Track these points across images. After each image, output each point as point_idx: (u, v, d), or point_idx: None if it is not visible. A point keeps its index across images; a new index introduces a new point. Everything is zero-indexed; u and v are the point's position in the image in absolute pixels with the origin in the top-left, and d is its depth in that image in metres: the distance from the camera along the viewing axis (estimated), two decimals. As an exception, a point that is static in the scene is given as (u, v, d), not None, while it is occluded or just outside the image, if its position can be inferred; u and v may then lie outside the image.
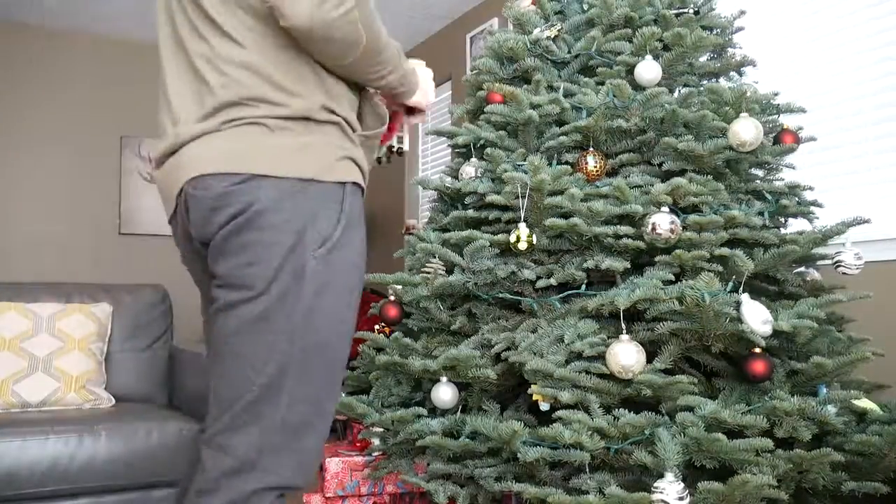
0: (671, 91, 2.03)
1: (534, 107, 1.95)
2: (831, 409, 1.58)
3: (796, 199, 1.94)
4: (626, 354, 1.56)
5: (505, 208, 1.93)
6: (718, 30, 2.12)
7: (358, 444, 2.30)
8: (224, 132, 1.06)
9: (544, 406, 1.68)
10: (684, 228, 1.72)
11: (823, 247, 1.80)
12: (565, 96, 2.00)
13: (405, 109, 1.35)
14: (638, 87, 1.94)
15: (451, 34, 4.39)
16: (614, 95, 1.89)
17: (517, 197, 1.81)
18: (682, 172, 1.85)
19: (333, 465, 2.19)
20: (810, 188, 1.98)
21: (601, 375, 1.61)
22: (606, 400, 1.63)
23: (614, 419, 1.56)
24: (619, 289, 1.69)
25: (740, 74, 2.16)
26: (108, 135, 4.58)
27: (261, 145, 1.05)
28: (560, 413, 1.57)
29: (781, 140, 1.92)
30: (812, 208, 1.96)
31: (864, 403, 1.65)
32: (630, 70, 1.97)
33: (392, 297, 2.12)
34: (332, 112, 1.10)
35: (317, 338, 1.07)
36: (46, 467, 1.85)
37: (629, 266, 1.77)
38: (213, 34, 1.08)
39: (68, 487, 1.89)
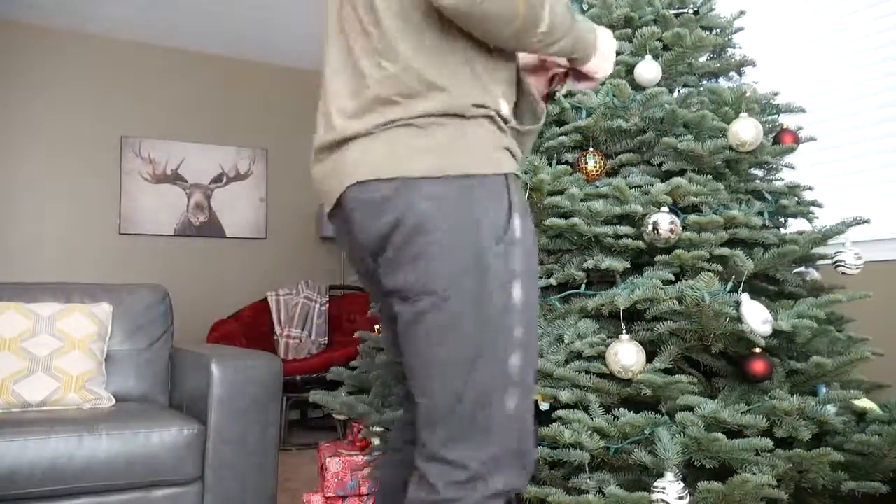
0: (671, 91, 2.03)
1: (534, 107, 1.95)
2: (831, 409, 1.58)
3: (796, 199, 1.94)
4: (626, 354, 1.56)
5: (505, 208, 1.92)
6: (718, 30, 2.12)
7: (358, 444, 2.30)
8: (377, 135, 1.05)
9: (544, 406, 1.68)
10: (684, 228, 1.72)
11: (823, 247, 1.81)
12: (565, 96, 2.00)
13: (574, 73, 1.27)
14: (638, 87, 1.94)
15: (451, 34, 4.38)
16: (614, 95, 1.89)
17: (517, 197, 1.81)
18: (682, 172, 1.85)
19: (333, 464, 2.19)
20: (810, 188, 1.98)
21: (601, 375, 1.61)
22: (606, 400, 1.63)
23: (614, 419, 1.56)
24: (619, 289, 1.69)
25: (740, 74, 2.16)
26: (108, 135, 4.58)
27: (415, 147, 1.03)
28: (560, 413, 1.57)
29: (781, 140, 1.92)
30: (812, 208, 1.96)
31: (864, 403, 1.66)
32: (630, 70, 1.97)
33: (392, 297, 2.12)
34: (485, 107, 1.08)
35: (513, 335, 1.05)
36: (46, 467, 1.85)
37: (629, 266, 1.77)
38: (374, 27, 1.06)
39: (68, 487, 1.89)
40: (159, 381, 2.51)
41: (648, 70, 1.91)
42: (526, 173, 1.80)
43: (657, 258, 1.73)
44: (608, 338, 1.64)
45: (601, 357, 1.61)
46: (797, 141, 1.91)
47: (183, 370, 2.41)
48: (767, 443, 1.47)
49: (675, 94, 2.03)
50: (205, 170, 4.86)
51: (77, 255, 4.45)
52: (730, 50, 2.15)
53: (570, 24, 1.10)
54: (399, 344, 1.11)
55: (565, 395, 1.59)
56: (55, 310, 2.31)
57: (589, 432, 1.53)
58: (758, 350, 1.61)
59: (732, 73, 2.15)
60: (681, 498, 1.40)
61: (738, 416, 1.51)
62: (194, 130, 4.85)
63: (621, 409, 1.58)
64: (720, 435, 1.45)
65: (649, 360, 1.62)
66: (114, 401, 2.30)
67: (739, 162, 1.88)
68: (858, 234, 2.18)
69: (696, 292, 1.55)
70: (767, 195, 1.91)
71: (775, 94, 1.98)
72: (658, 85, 1.94)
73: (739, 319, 1.56)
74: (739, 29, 2.16)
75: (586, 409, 1.61)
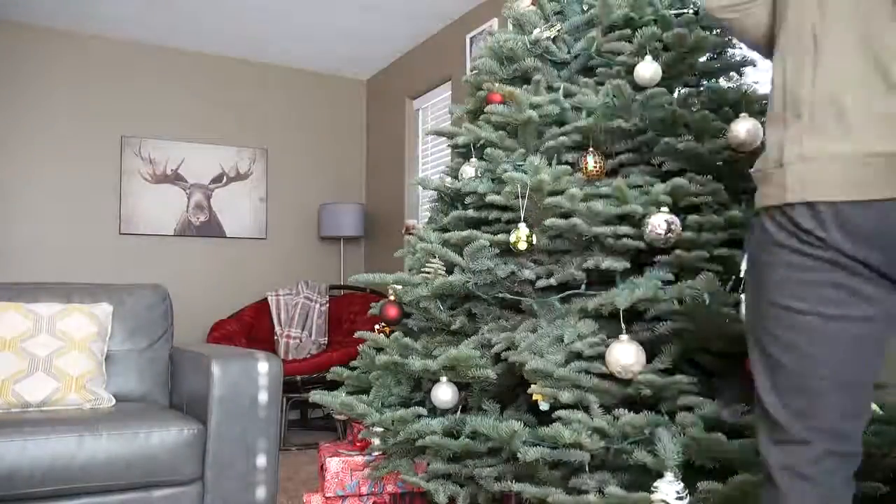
0: (671, 91, 2.03)
1: (534, 107, 1.95)
2: (831, 409, 1.57)
3: (796, 199, 1.94)
4: (626, 354, 1.56)
5: (505, 208, 1.93)
6: (718, 30, 2.12)
7: (358, 444, 2.30)
8: None
9: (544, 406, 1.68)
10: (684, 228, 1.72)
11: (823, 247, 1.80)
12: (565, 96, 2.00)
13: None
14: (638, 88, 1.94)
15: (451, 34, 4.39)
16: (614, 95, 1.89)
17: (517, 197, 1.81)
18: (681, 172, 1.85)
19: (333, 464, 2.19)
20: (810, 188, 1.97)
21: (601, 375, 1.61)
22: (606, 400, 1.63)
23: (614, 419, 1.56)
24: (619, 289, 1.69)
25: (740, 74, 2.16)
26: (108, 135, 4.58)
27: None
28: (560, 413, 1.57)
29: (781, 140, 1.92)
30: (812, 208, 1.96)
31: (864, 403, 1.65)
32: (630, 70, 1.97)
33: (392, 297, 2.12)
34: None
35: None
36: (46, 467, 1.85)
37: (629, 266, 1.77)
38: None
39: (68, 487, 1.89)
40: (159, 381, 2.51)
41: (648, 70, 1.91)
42: (526, 173, 1.81)
43: (657, 258, 1.73)
44: (608, 338, 1.65)
45: (601, 357, 1.61)
46: (797, 141, 1.91)
47: (183, 370, 2.41)
48: (767, 443, 1.46)
49: (676, 95, 2.03)
50: (205, 170, 4.86)
51: (77, 255, 4.45)
52: (730, 50, 2.15)
53: None
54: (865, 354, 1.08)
55: (565, 396, 1.59)
56: (55, 310, 2.31)
57: (589, 432, 1.53)
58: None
59: (732, 73, 2.15)
60: (681, 498, 1.40)
61: (739, 416, 1.51)
62: (194, 130, 4.85)
63: (621, 410, 1.58)
64: (720, 435, 1.45)
65: (649, 360, 1.62)
66: (114, 401, 2.30)
67: (739, 162, 1.88)
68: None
69: (696, 292, 1.55)
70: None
71: (775, 95, 1.98)
72: (658, 85, 1.94)
73: (739, 319, 1.56)
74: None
75: (586, 410, 1.61)
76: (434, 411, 1.93)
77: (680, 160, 1.86)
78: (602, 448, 1.55)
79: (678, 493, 1.41)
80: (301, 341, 4.59)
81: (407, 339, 1.95)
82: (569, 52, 2.11)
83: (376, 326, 2.21)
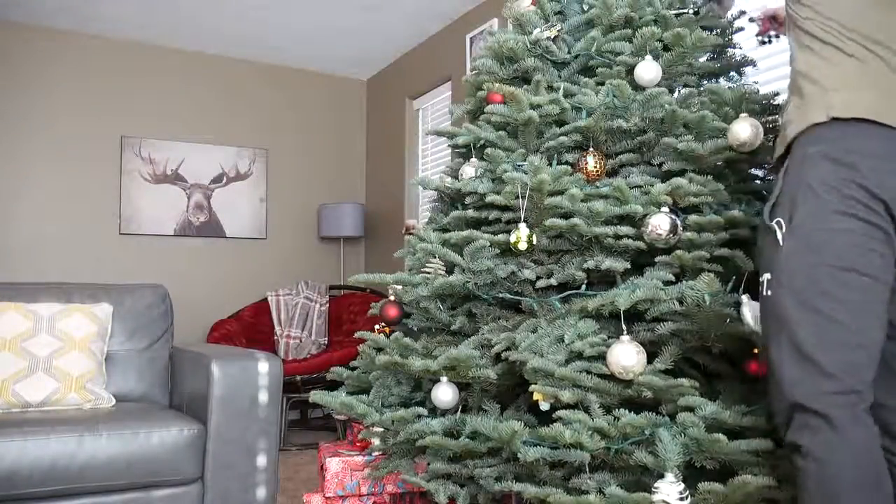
0: (671, 91, 2.03)
1: (534, 107, 1.95)
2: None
3: (796, 199, 1.94)
4: (627, 355, 1.56)
5: (505, 208, 1.93)
6: (718, 30, 2.12)
7: (358, 444, 2.30)
8: None
9: (544, 406, 1.68)
10: (684, 229, 1.72)
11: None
12: (565, 96, 2.00)
13: None
14: (638, 88, 1.94)
15: (451, 34, 4.39)
16: (614, 95, 1.89)
17: (517, 197, 1.81)
18: (682, 172, 1.85)
19: (333, 465, 2.19)
20: (810, 188, 1.97)
21: (601, 375, 1.61)
22: (607, 400, 1.63)
23: (615, 419, 1.56)
24: (620, 289, 1.69)
25: (740, 75, 2.16)
26: (108, 135, 4.58)
27: None
28: (560, 413, 1.57)
29: (781, 140, 1.92)
30: (812, 208, 1.96)
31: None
32: (630, 70, 1.97)
33: (392, 297, 2.12)
34: None
35: None
36: (47, 467, 1.85)
37: (629, 266, 1.77)
38: None
39: (68, 487, 1.89)
40: (159, 381, 2.51)
41: (648, 70, 1.91)
42: (526, 173, 1.81)
43: (657, 258, 1.73)
44: (609, 338, 1.64)
45: (602, 357, 1.61)
46: (797, 141, 1.91)
47: (183, 370, 2.41)
48: (768, 444, 1.46)
49: (676, 95, 2.03)
50: (205, 170, 4.86)
51: (77, 255, 4.45)
52: (730, 50, 2.15)
53: None
54: None
55: (566, 395, 1.59)
56: (55, 310, 2.31)
57: (589, 432, 1.53)
58: (757, 350, 1.61)
59: (733, 74, 2.15)
60: (681, 499, 1.40)
61: (739, 417, 1.51)
62: (194, 130, 4.85)
63: (622, 410, 1.57)
64: (721, 436, 1.45)
65: (650, 360, 1.62)
66: (114, 401, 2.30)
67: (739, 162, 1.88)
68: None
69: (697, 293, 1.55)
70: (767, 195, 1.90)
71: (775, 95, 1.98)
72: (658, 85, 1.94)
73: (740, 320, 1.55)
74: (740, 29, 2.16)
75: (587, 410, 1.61)
76: (434, 411, 1.93)
77: (680, 160, 1.85)
78: (603, 448, 1.55)
79: (679, 493, 1.41)
80: (301, 341, 4.59)
81: (407, 339, 1.95)
82: (569, 52, 2.11)
83: (376, 326, 2.21)
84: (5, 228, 4.27)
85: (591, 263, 1.78)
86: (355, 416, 1.96)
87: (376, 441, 2.07)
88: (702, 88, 1.98)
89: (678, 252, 1.67)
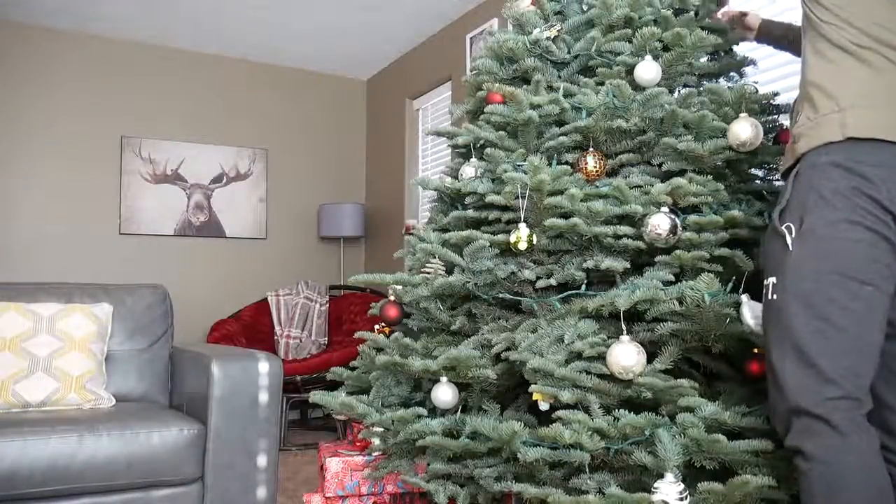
0: (671, 91, 2.03)
1: (534, 107, 1.95)
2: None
3: (796, 199, 1.93)
4: (627, 355, 1.56)
5: (505, 208, 1.93)
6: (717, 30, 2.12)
7: (358, 444, 2.30)
8: None
9: (544, 406, 1.68)
10: (684, 228, 1.72)
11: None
12: (565, 96, 2.00)
13: None
14: (638, 88, 1.94)
15: (451, 34, 4.39)
16: (614, 95, 1.89)
17: (517, 197, 1.81)
18: (681, 172, 1.85)
19: (333, 465, 2.19)
20: (810, 188, 1.97)
21: (601, 376, 1.61)
22: (606, 401, 1.63)
23: (614, 419, 1.56)
24: (619, 289, 1.69)
25: (740, 75, 2.16)
26: (108, 135, 4.58)
27: None
28: (560, 413, 1.57)
29: (781, 140, 1.92)
30: (812, 208, 1.95)
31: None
32: (630, 70, 1.97)
33: (392, 298, 2.12)
34: None
35: None
36: (47, 467, 1.85)
37: (629, 266, 1.77)
38: None
39: (68, 487, 1.89)
40: (159, 381, 2.51)
41: (648, 70, 1.91)
42: (526, 173, 1.81)
43: (657, 258, 1.73)
44: (609, 338, 1.64)
45: (602, 357, 1.61)
46: (797, 141, 1.91)
47: (183, 370, 2.41)
48: (768, 444, 1.46)
49: (675, 95, 2.03)
50: (205, 170, 4.86)
51: (77, 255, 4.45)
52: (730, 50, 2.15)
53: None
54: None
55: (566, 395, 1.59)
56: (55, 310, 2.31)
57: (589, 433, 1.53)
58: (758, 351, 1.61)
59: (733, 74, 2.15)
60: (681, 499, 1.40)
61: (739, 417, 1.51)
62: (194, 130, 4.85)
63: (622, 410, 1.57)
64: (721, 436, 1.45)
65: (650, 360, 1.62)
66: (114, 401, 2.30)
67: (739, 162, 1.88)
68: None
69: (697, 293, 1.55)
70: (767, 195, 1.91)
71: (775, 95, 1.98)
72: (658, 85, 1.94)
73: (740, 320, 1.55)
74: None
75: (587, 410, 1.61)
76: (434, 411, 1.93)
77: (680, 160, 1.85)
78: (602, 449, 1.55)
79: (679, 493, 1.41)
80: (301, 341, 4.59)
81: (407, 340, 1.95)
82: (569, 52, 2.11)
83: (376, 326, 2.21)
84: (5, 228, 4.27)
85: (590, 263, 1.78)
86: (355, 416, 1.96)
87: (376, 441, 2.07)
88: (702, 88, 1.98)
89: (678, 252, 1.67)
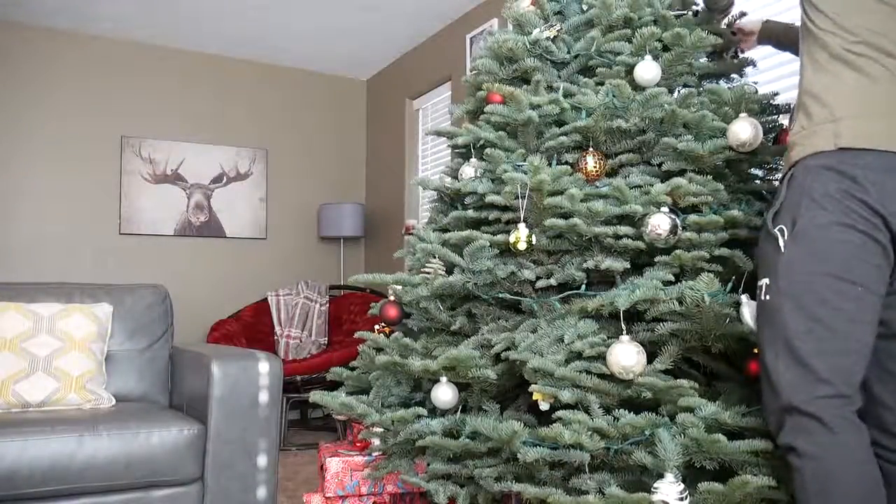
0: (671, 91, 2.03)
1: (533, 107, 1.95)
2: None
3: (796, 199, 1.93)
4: (627, 355, 1.56)
5: (505, 208, 1.93)
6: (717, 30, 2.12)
7: (358, 444, 2.30)
8: None
9: (544, 406, 1.68)
10: (684, 228, 1.72)
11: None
12: (565, 96, 2.00)
13: None
14: (637, 88, 1.94)
15: (451, 34, 4.39)
16: (614, 95, 1.89)
17: (517, 197, 1.81)
18: (681, 172, 1.85)
19: (333, 465, 2.19)
20: (810, 188, 1.97)
21: (601, 376, 1.61)
22: (606, 401, 1.63)
23: (614, 419, 1.56)
24: (619, 289, 1.69)
25: (740, 75, 2.16)
26: (108, 135, 4.58)
27: None
28: (560, 413, 1.57)
29: (781, 140, 1.92)
30: (812, 208, 1.95)
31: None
32: (630, 70, 1.97)
33: (392, 298, 2.12)
34: None
35: None
36: (46, 467, 1.85)
37: (629, 266, 1.77)
38: None
39: (68, 487, 1.89)
40: (159, 381, 2.51)
41: (648, 70, 1.91)
42: (526, 173, 1.80)
43: (657, 258, 1.73)
44: (608, 338, 1.64)
45: (602, 357, 1.61)
46: (797, 141, 1.91)
47: (183, 370, 2.41)
48: (768, 444, 1.46)
49: (675, 95, 2.03)
50: (205, 170, 4.86)
51: (77, 255, 4.45)
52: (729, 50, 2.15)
53: None
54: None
55: (566, 395, 1.59)
56: (55, 310, 2.31)
57: (589, 433, 1.53)
58: (757, 351, 1.61)
59: (732, 74, 2.15)
60: (681, 499, 1.40)
61: (739, 417, 1.51)
62: (194, 130, 4.85)
63: (622, 410, 1.57)
64: (721, 436, 1.45)
65: (649, 360, 1.62)
66: (114, 401, 2.30)
67: (739, 162, 1.88)
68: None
69: (697, 293, 1.55)
70: (767, 195, 1.91)
71: (775, 94, 1.98)
72: (658, 85, 1.93)
73: (739, 320, 1.55)
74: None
75: (587, 410, 1.61)
76: (434, 411, 1.93)
77: (680, 160, 1.85)
78: (602, 448, 1.55)
79: (679, 493, 1.41)
80: (301, 341, 4.59)
81: (407, 340, 1.95)
82: (569, 52, 2.11)
83: (376, 326, 2.21)
84: (5, 228, 4.27)
85: (590, 263, 1.78)
86: (355, 417, 1.96)
87: (376, 441, 2.07)
88: (701, 88, 1.98)
89: (678, 252, 1.67)
